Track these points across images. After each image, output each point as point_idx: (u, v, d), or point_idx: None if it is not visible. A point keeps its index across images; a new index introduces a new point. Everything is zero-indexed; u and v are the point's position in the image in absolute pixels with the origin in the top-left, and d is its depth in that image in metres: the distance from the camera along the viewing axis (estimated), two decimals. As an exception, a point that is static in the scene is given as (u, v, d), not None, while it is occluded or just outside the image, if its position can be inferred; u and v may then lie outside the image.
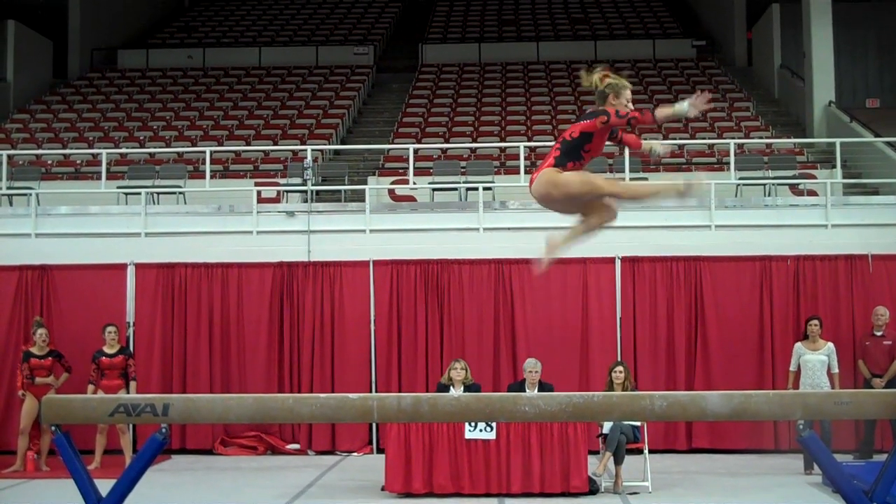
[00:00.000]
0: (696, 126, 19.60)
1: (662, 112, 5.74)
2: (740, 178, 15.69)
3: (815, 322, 11.76)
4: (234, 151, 18.79)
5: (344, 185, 16.64)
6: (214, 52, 26.20)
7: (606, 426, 10.44)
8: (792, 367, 11.70)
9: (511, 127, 20.17)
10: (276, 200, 15.87)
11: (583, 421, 9.66)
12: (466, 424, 9.96)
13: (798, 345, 11.74)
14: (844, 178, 16.20)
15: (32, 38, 24.23)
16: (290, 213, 14.40)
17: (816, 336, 11.65)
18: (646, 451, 10.62)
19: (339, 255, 13.57)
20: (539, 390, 10.71)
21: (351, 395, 5.78)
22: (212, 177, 16.60)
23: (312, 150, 16.22)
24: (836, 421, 11.16)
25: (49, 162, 18.48)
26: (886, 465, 5.57)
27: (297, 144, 18.78)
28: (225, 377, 13.28)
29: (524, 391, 10.75)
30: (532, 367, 11.09)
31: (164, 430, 5.74)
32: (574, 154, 5.77)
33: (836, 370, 11.54)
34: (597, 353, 12.86)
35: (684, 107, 5.70)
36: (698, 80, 23.03)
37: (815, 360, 11.50)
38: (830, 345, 11.65)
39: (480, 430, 10.00)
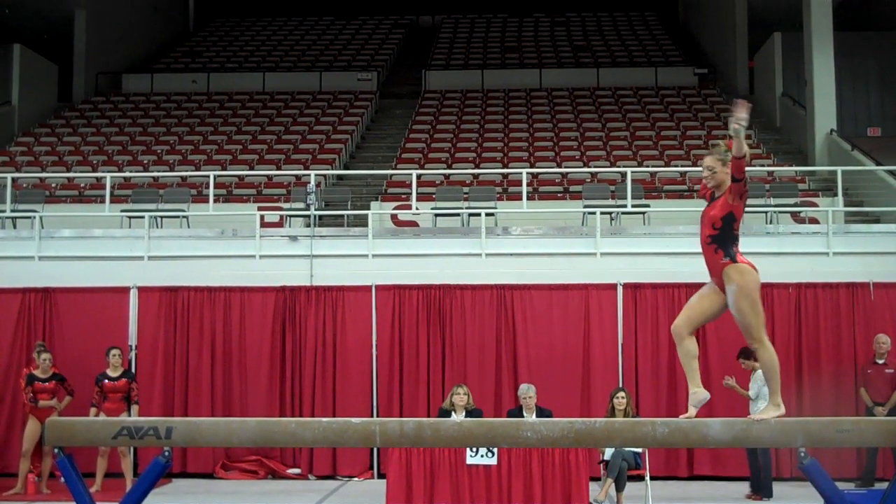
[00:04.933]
0: (697, 154, 19.65)
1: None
2: (742, 206, 15.69)
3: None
4: (238, 176, 18.85)
5: (347, 209, 16.68)
6: (218, 76, 26.34)
7: (608, 452, 10.43)
8: (751, 395, 11.69)
9: (514, 153, 20.24)
10: (279, 225, 15.91)
11: (584, 447, 9.66)
12: (468, 450, 9.96)
13: (758, 373, 11.76)
14: (846, 206, 16.26)
15: (38, 63, 24.39)
16: (293, 238, 14.43)
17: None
18: (647, 478, 10.62)
19: (342, 279, 13.58)
20: (537, 415, 10.70)
21: (353, 420, 5.79)
22: (215, 201, 16.67)
23: (315, 174, 16.28)
24: (837, 448, 11.13)
25: (53, 185, 18.55)
26: (888, 493, 5.58)
27: (300, 169, 18.86)
28: (227, 401, 13.26)
29: (523, 417, 10.76)
30: (525, 393, 11.10)
31: (166, 454, 5.75)
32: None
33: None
34: (598, 380, 12.84)
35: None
36: (700, 108, 23.14)
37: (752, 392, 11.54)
38: (758, 373, 11.61)
39: (482, 456, 10.00)
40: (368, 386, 13.17)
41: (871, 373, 12.19)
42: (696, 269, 13.45)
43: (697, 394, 5.82)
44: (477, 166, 19.40)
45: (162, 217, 15.75)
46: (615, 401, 10.84)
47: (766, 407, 5.86)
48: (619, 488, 10.29)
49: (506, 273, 13.63)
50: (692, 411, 5.86)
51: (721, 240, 5.74)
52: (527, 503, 9.93)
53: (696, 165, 18.68)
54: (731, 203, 5.79)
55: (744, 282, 5.67)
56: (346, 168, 20.48)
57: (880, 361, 12.14)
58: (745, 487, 12.13)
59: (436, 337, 13.22)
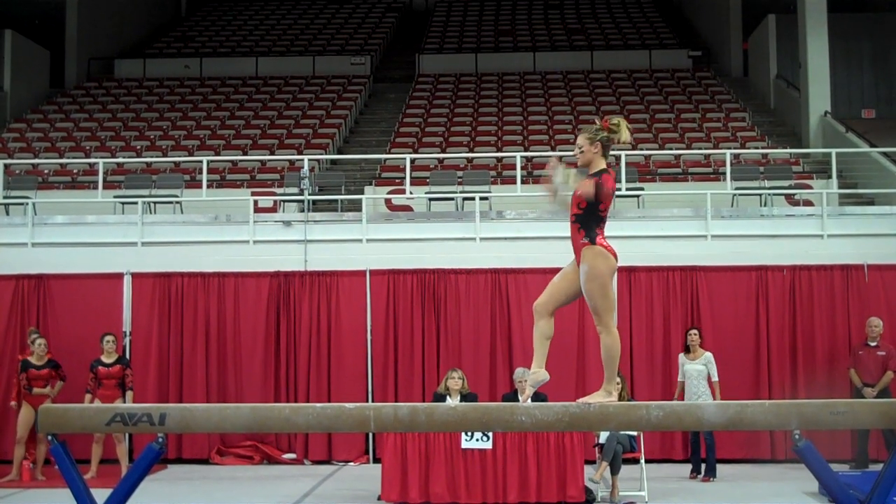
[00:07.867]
0: (692, 136, 19.65)
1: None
2: (736, 189, 15.73)
3: (695, 332, 11.86)
4: (231, 161, 18.80)
5: (340, 194, 16.65)
6: (211, 61, 26.24)
7: (603, 436, 10.44)
8: (679, 378, 11.79)
9: (507, 137, 20.19)
10: (273, 210, 15.89)
11: (579, 431, 9.66)
12: (463, 434, 9.96)
13: (681, 355, 11.84)
14: (840, 188, 16.26)
15: (29, 48, 24.24)
16: (287, 223, 14.40)
17: (696, 346, 11.70)
18: (642, 461, 10.63)
19: (336, 264, 13.57)
20: (533, 400, 10.68)
21: (347, 405, 5.78)
22: (208, 186, 16.63)
23: (309, 159, 16.23)
24: (832, 430, 11.16)
25: (46, 171, 18.48)
26: (882, 475, 5.58)
27: (293, 154, 18.82)
28: (221, 386, 13.27)
29: (518, 401, 10.75)
30: (521, 377, 11.09)
31: (160, 440, 5.74)
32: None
33: (715, 378, 11.56)
34: (593, 363, 12.81)
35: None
36: (694, 91, 23.10)
37: (693, 370, 11.60)
38: (708, 354, 11.70)
39: (477, 440, 10.00)
40: (363, 371, 13.17)
41: (861, 354, 12.23)
42: (691, 253, 13.61)
43: (538, 374, 5.91)
44: (471, 150, 19.36)
45: (155, 203, 15.71)
46: (610, 384, 10.83)
47: (597, 392, 5.96)
48: (615, 471, 10.31)
49: (500, 257, 13.62)
50: (529, 390, 6.02)
51: (584, 220, 5.69)
52: (522, 487, 9.94)
53: (691, 148, 18.70)
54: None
55: (595, 264, 5.64)
56: (339, 153, 20.41)
57: (872, 344, 12.18)
58: (739, 469, 12.18)
59: (430, 321, 13.22)
